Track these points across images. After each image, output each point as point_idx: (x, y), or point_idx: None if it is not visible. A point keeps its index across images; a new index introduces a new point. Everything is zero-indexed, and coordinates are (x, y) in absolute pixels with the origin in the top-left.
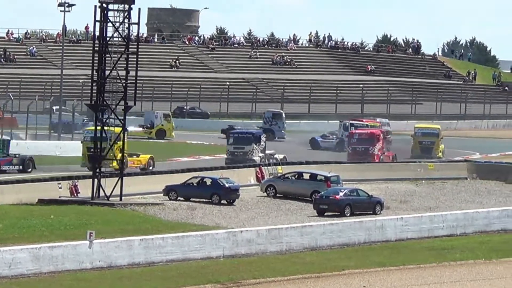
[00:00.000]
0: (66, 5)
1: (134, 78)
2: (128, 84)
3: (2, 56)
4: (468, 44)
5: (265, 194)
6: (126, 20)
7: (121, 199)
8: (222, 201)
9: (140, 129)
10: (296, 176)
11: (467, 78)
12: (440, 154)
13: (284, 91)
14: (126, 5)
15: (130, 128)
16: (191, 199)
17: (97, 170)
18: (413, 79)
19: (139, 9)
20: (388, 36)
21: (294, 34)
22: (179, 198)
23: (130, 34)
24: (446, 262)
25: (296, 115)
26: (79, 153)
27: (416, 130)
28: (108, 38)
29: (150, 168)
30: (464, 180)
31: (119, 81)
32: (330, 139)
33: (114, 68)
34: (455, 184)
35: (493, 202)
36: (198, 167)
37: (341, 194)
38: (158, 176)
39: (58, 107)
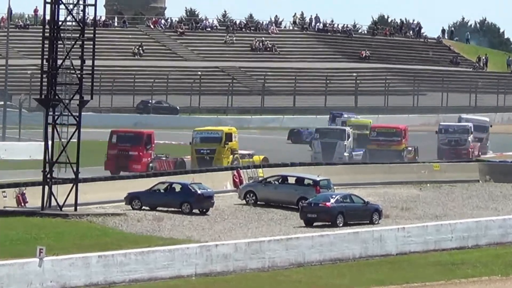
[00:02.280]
0: None
1: (90, 68)
2: (83, 75)
3: None
4: (478, 25)
5: (243, 201)
6: (81, 1)
7: (76, 209)
8: (194, 210)
9: None
10: (280, 181)
11: (477, 64)
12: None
13: (265, 82)
14: None
15: None
16: (158, 208)
17: (48, 175)
18: (415, 66)
19: None
20: (385, 17)
21: (276, 16)
22: (143, 207)
23: (86, 17)
24: (456, 279)
25: (279, 109)
26: (27, 155)
27: (193, 135)
28: (60, 22)
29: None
30: (475, 183)
31: (73, 71)
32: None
33: (68, 57)
34: (465, 188)
35: (510, 209)
36: (165, 171)
37: (332, 200)
38: (119, 181)
39: (2, 102)
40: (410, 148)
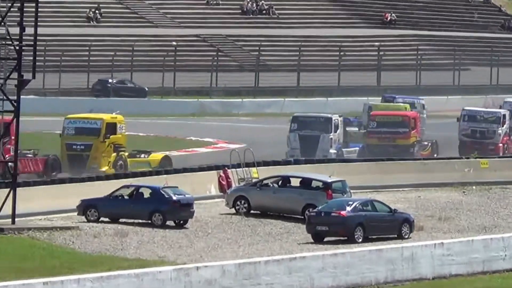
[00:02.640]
0: None
1: (32, 37)
2: (23, 47)
3: None
4: None
5: (233, 210)
6: None
7: (14, 222)
8: (168, 222)
9: None
10: (280, 183)
11: None
12: (105, 167)
13: (260, 55)
14: None
15: None
16: (121, 219)
17: None
18: (455, 32)
19: None
20: None
21: None
22: (102, 218)
23: None
24: None
25: (279, 89)
26: None
27: (64, 124)
28: None
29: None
30: None
31: (10, 42)
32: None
33: (3, 23)
34: None
35: None
36: (130, 171)
37: (348, 208)
38: (69, 185)
39: None
40: (425, 143)
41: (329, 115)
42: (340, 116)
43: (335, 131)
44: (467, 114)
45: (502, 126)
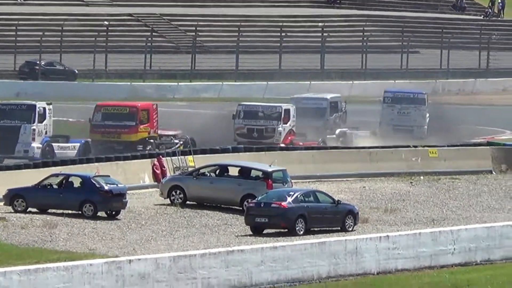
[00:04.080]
0: None
1: None
2: None
3: None
4: None
5: (167, 200)
6: None
7: None
8: (99, 213)
9: None
10: (217, 172)
11: (489, 11)
12: None
13: (196, 35)
14: None
15: None
16: (50, 210)
17: None
18: (403, 12)
19: None
20: None
21: None
22: (29, 208)
23: None
24: None
25: (217, 73)
26: None
27: None
28: None
29: None
30: (487, 175)
31: None
32: None
33: None
34: (472, 182)
35: None
36: (59, 159)
37: (289, 199)
38: None
39: None
40: (176, 141)
41: (34, 102)
42: (49, 104)
43: (40, 120)
44: (243, 110)
45: (285, 123)
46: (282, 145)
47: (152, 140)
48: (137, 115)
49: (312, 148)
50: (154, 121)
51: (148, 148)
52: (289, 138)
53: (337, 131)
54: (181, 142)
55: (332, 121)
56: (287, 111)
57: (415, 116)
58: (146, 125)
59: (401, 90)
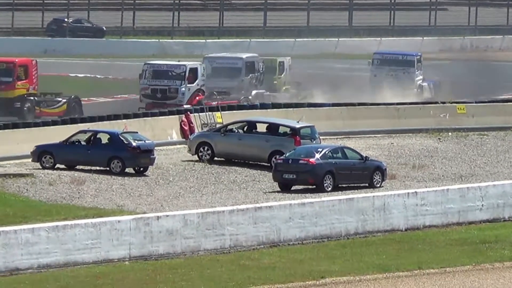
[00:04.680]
0: None
1: None
2: None
3: None
4: None
5: (195, 157)
6: None
7: None
8: (127, 169)
9: None
10: (245, 128)
11: None
12: None
13: None
14: None
15: None
16: (78, 166)
17: None
18: None
19: None
20: None
21: None
22: (57, 165)
23: None
24: (487, 264)
25: (245, 29)
26: None
27: None
28: None
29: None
30: None
31: None
32: None
33: None
34: (500, 138)
35: None
36: (88, 115)
37: (317, 155)
38: (24, 130)
39: None
40: (59, 98)
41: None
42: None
43: None
44: (148, 70)
45: (190, 83)
46: (188, 106)
47: (32, 98)
48: (14, 71)
49: (340, 105)
50: (33, 77)
51: (26, 106)
52: (197, 98)
53: (253, 92)
54: (64, 101)
55: (247, 82)
56: (193, 70)
57: (404, 79)
58: (24, 81)
59: (390, 51)
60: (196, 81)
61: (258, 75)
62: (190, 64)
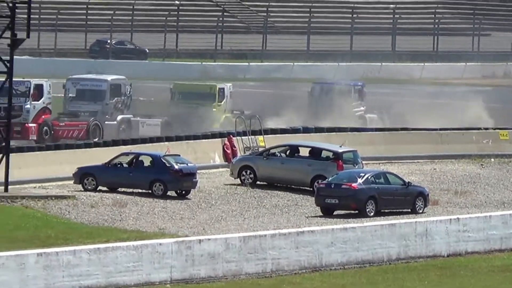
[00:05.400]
0: None
1: None
2: (17, 4)
3: None
4: None
5: (237, 180)
6: None
7: (6, 190)
8: (169, 192)
9: None
10: (288, 152)
11: None
12: None
13: (268, 15)
14: None
15: None
16: (120, 189)
17: None
18: None
19: None
20: None
21: None
22: (99, 187)
23: None
24: None
25: (288, 53)
26: None
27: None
28: None
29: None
30: None
31: None
32: None
33: None
34: None
35: None
36: (130, 138)
37: (360, 180)
38: (66, 152)
39: None
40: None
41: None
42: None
43: None
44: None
45: (36, 100)
46: (32, 125)
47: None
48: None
49: (383, 130)
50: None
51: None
52: (43, 117)
53: (119, 117)
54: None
55: (112, 106)
56: (38, 87)
57: (341, 109)
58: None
59: (328, 81)
60: (42, 99)
61: (125, 99)
62: (35, 80)
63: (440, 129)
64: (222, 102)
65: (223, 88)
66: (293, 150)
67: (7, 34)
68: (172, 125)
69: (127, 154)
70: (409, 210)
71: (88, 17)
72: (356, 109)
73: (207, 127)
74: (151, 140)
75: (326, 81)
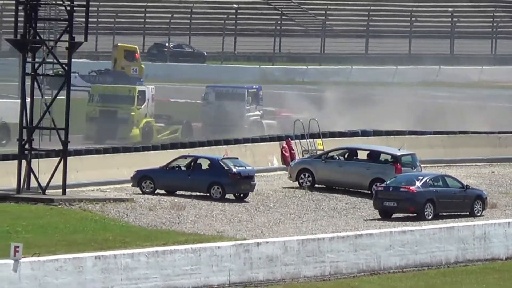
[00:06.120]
0: None
1: None
2: (74, 8)
3: None
4: None
5: (296, 183)
6: None
7: (64, 193)
8: (227, 195)
9: None
10: (346, 155)
11: None
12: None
13: (326, 19)
14: None
15: None
16: (178, 192)
17: (26, 146)
18: None
19: None
20: None
21: None
22: (157, 190)
23: None
24: None
25: (346, 56)
26: None
27: None
28: None
29: None
30: None
31: (61, 2)
32: None
33: None
34: None
35: None
36: (188, 141)
37: (418, 183)
38: (124, 155)
39: None
40: None
41: None
42: None
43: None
44: None
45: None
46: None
47: None
48: None
49: (441, 133)
50: None
51: None
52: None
53: None
54: None
55: None
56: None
57: (234, 114)
58: None
59: (223, 85)
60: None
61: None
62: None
63: (499, 132)
64: (143, 106)
65: (144, 91)
66: (352, 153)
67: (65, 37)
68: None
69: (185, 157)
70: (467, 213)
71: (146, 20)
72: (250, 114)
73: (125, 132)
74: (209, 143)
75: (220, 84)
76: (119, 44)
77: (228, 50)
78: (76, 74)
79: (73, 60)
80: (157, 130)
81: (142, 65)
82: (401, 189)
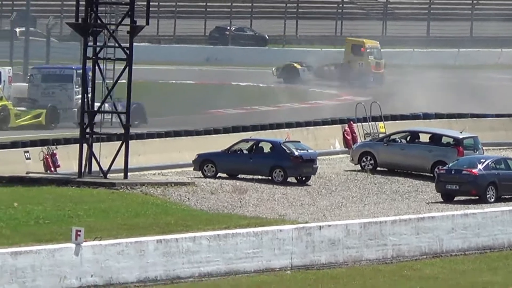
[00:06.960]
0: None
1: None
2: None
3: None
4: None
5: (358, 166)
6: None
7: (126, 176)
8: (289, 179)
9: None
10: (408, 138)
11: None
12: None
13: (387, 2)
14: None
15: None
16: (239, 175)
17: (88, 130)
18: None
19: None
20: None
21: None
22: (219, 173)
23: None
24: None
25: (407, 39)
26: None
27: None
28: None
29: None
30: None
31: None
32: None
33: None
34: None
35: None
36: (250, 124)
37: (480, 166)
38: (185, 139)
39: (23, 28)
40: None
41: None
42: None
43: None
44: None
45: None
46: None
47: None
48: None
49: (503, 115)
50: None
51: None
52: None
53: None
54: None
55: None
56: None
57: (60, 97)
58: None
59: (48, 66)
60: None
61: None
62: None
63: None
64: None
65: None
66: (414, 136)
67: (127, 21)
68: None
69: (247, 140)
70: None
71: (208, 3)
72: (78, 97)
73: None
74: (271, 126)
75: (46, 65)
76: None
77: (290, 33)
78: None
79: (134, 44)
80: (15, 115)
81: None
82: (463, 172)
